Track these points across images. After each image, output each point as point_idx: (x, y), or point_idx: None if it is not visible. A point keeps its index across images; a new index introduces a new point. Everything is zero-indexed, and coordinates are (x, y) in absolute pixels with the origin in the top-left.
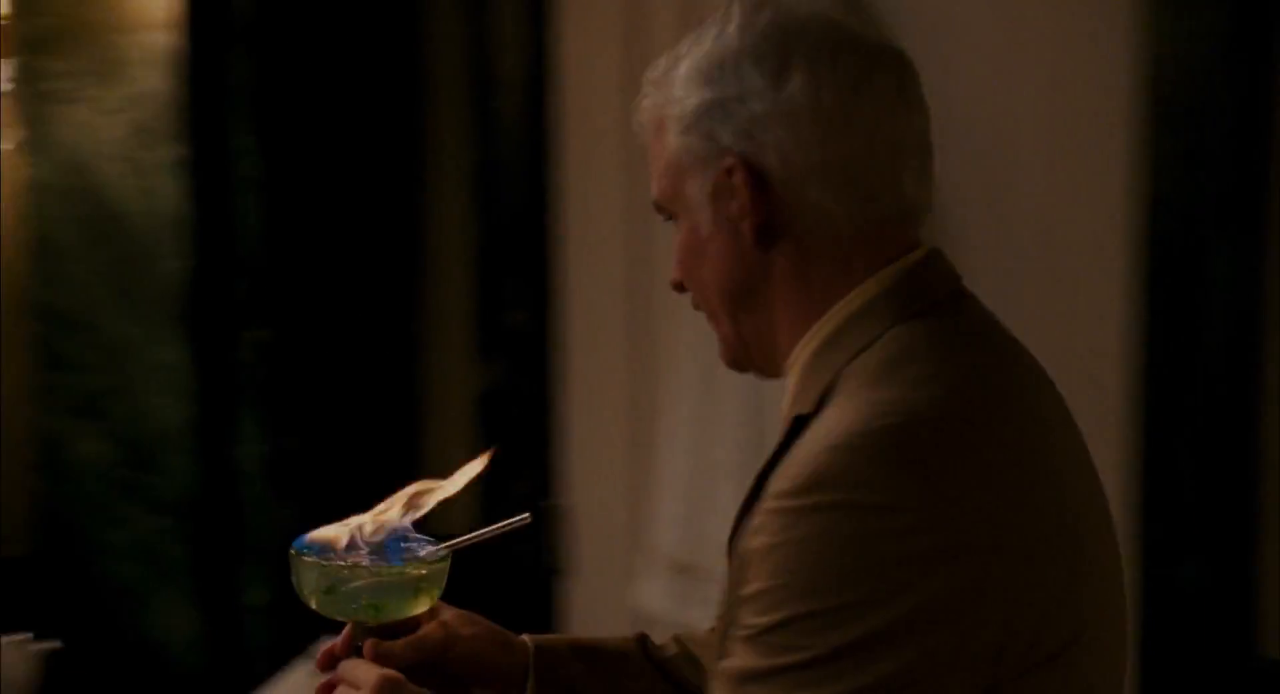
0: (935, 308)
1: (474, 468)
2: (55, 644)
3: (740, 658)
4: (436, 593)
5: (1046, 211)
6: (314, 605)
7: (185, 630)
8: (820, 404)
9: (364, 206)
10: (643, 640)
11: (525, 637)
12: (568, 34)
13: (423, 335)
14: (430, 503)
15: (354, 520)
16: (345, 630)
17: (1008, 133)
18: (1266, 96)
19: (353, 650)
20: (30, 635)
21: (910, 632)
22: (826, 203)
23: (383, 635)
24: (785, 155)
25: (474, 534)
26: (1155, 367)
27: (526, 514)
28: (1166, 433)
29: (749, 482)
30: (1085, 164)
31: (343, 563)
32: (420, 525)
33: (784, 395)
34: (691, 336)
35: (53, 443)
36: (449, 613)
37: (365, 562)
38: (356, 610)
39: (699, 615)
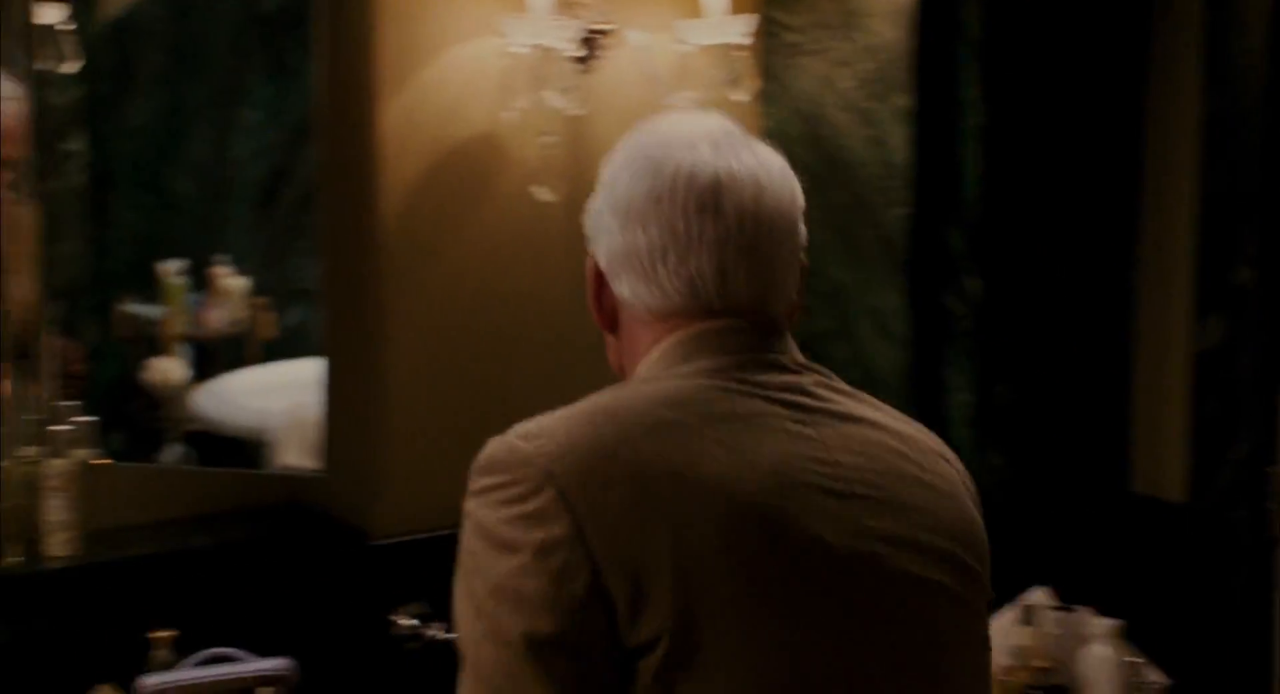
0: (664, 374)
1: None
2: None
3: None
4: None
5: None
6: None
7: None
8: None
9: (1084, 157)
10: None
11: None
12: None
13: (1140, 289)
14: None
15: None
16: None
17: None
18: None
19: None
20: None
21: (521, 580)
22: (632, 295)
23: None
24: (607, 253)
25: None
26: None
27: None
28: None
29: None
30: None
31: None
32: None
33: None
34: None
35: None
36: None
37: None
38: None
39: None
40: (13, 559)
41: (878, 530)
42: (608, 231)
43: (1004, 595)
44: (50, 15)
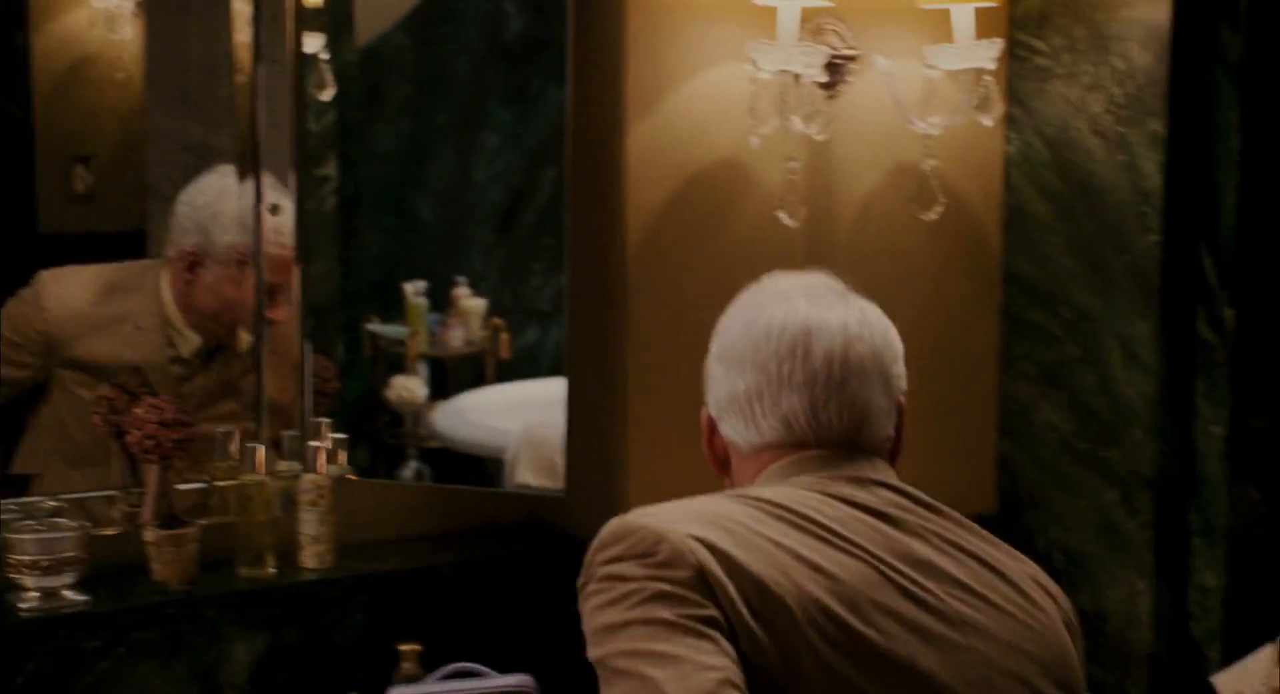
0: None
1: None
2: None
3: None
4: None
5: None
6: None
7: (1132, 605)
8: None
9: None
10: None
11: None
12: None
13: None
14: None
15: None
16: None
17: None
18: None
19: None
20: None
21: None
22: (735, 434)
23: None
24: (715, 400)
25: None
26: None
27: None
28: None
29: None
30: None
31: None
32: None
33: None
34: None
35: (1018, 408)
36: None
37: None
38: None
39: None
40: (269, 571)
41: (969, 618)
42: (715, 380)
43: (1263, 635)
44: (313, 44)
